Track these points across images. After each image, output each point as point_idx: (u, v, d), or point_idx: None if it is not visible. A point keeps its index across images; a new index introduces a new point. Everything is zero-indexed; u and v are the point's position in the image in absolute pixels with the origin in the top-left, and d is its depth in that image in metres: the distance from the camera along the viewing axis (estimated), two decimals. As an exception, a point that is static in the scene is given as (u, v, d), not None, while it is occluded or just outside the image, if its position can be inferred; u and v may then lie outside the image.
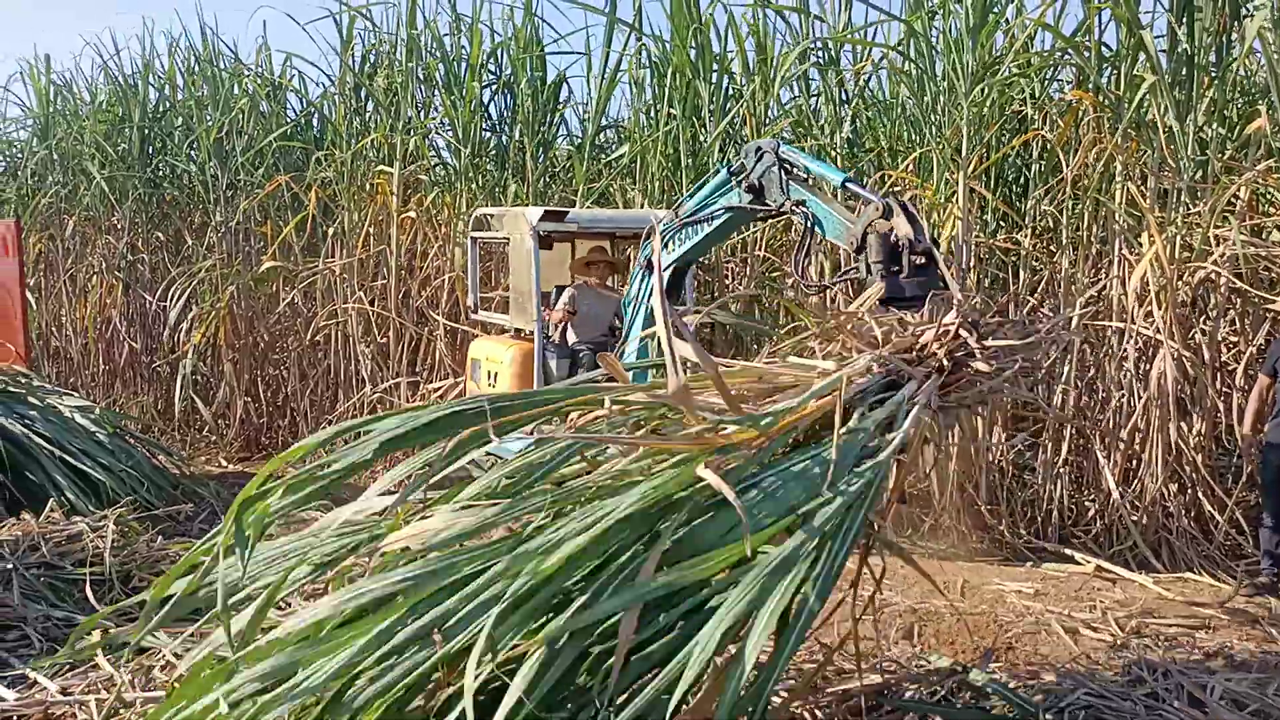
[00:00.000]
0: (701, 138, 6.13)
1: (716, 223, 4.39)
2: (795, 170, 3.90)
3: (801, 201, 3.88)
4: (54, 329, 8.83)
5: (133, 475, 5.03)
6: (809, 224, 3.91)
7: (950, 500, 4.91)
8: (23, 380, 5.34)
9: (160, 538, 4.18)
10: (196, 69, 8.13)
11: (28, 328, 6.45)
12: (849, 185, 3.71)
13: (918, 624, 3.85)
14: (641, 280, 4.97)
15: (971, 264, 5.08)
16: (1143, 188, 4.75)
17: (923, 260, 3.23)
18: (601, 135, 6.94)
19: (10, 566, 3.60)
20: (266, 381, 7.75)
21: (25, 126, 9.36)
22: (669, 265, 4.77)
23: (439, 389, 6.67)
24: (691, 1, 5.98)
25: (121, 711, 2.99)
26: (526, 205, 6.15)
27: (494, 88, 6.97)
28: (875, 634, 3.48)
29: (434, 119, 7.15)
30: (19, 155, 9.44)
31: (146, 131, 8.31)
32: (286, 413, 7.60)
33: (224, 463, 7.15)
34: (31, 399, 5.16)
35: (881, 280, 3.22)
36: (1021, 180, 5.66)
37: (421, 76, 7.03)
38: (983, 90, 4.98)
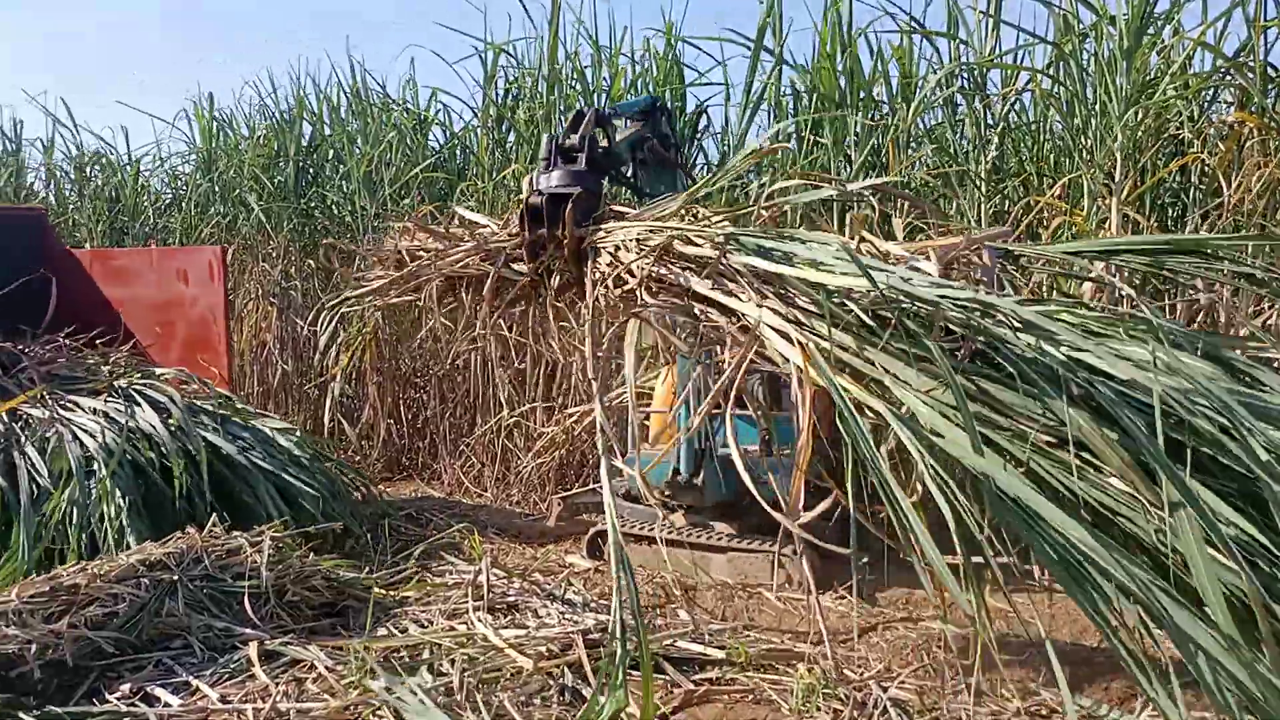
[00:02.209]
0: (839, 165, 6.08)
1: None
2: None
3: None
4: (212, 351, 9.27)
5: (329, 497, 5.19)
6: None
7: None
8: (227, 403, 5.56)
9: (312, 554, 4.34)
10: (347, 105, 8.49)
11: (231, 352, 6.62)
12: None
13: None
14: None
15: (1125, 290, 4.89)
16: (1313, 213, 4.50)
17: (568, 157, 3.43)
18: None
19: (176, 578, 3.79)
20: (408, 404, 7.98)
21: (189, 160, 9.92)
22: None
23: (574, 414, 6.75)
24: (843, 28, 5.95)
25: (276, 720, 3.12)
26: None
27: (633, 117, 7.07)
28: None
29: (574, 148, 7.27)
30: (183, 188, 9.99)
31: (301, 164, 8.70)
32: (426, 435, 7.80)
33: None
34: (236, 420, 5.38)
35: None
36: (1179, 206, 5.42)
37: (563, 108, 7.18)
38: (1136, 113, 4.80)
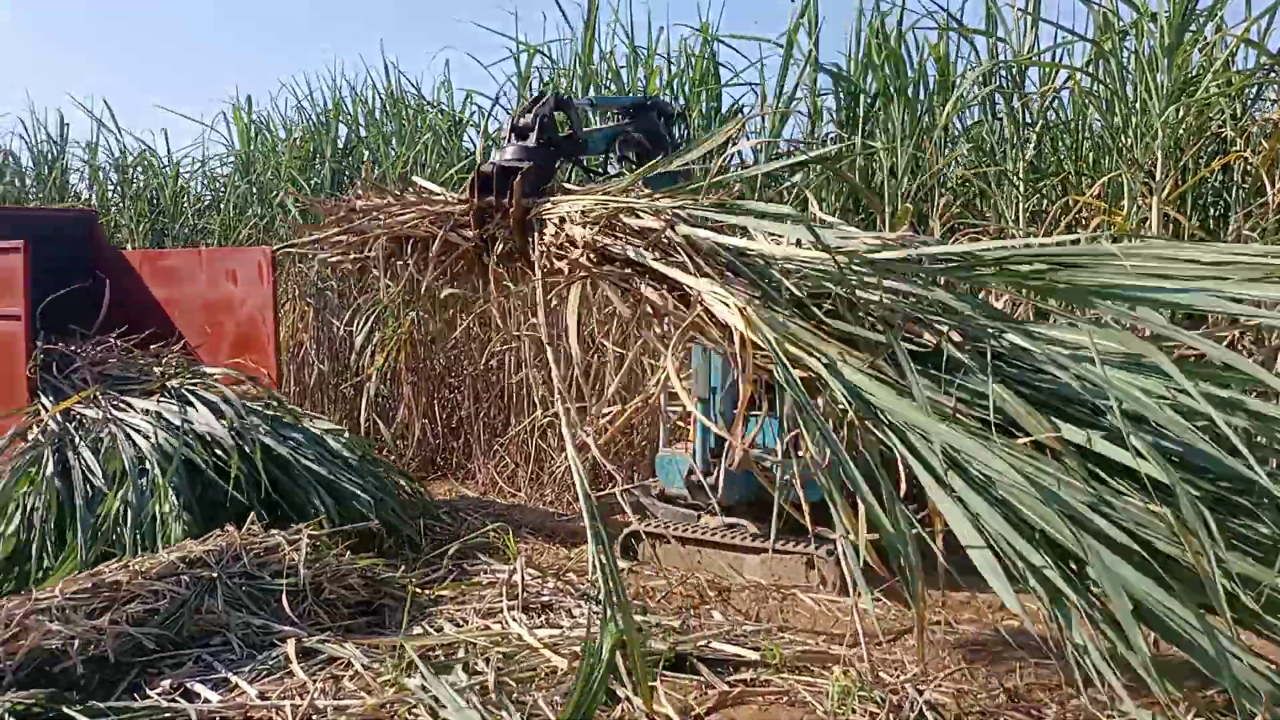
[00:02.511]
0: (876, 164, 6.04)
1: None
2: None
3: None
4: (249, 351, 9.35)
5: (382, 500, 5.19)
6: None
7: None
8: (275, 405, 5.59)
9: (349, 553, 4.37)
10: (381, 106, 8.54)
11: (279, 353, 6.59)
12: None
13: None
14: None
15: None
16: (1361, 212, 4.42)
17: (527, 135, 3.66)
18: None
19: (215, 576, 3.83)
20: (442, 404, 8.02)
21: (227, 162, 10.03)
22: None
23: (608, 414, 6.75)
24: (892, 27, 5.92)
25: (313, 718, 3.15)
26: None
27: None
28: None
29: (608, 149, 7.28)
30: (222, 189, 10.09)
31: (337, 166, 8.77)
32: (461, 434, 7.83)
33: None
34: (287, 420, 5.41)
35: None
36: (1221, 205, 5.34)
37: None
38: (1178, 111, 4.74)
